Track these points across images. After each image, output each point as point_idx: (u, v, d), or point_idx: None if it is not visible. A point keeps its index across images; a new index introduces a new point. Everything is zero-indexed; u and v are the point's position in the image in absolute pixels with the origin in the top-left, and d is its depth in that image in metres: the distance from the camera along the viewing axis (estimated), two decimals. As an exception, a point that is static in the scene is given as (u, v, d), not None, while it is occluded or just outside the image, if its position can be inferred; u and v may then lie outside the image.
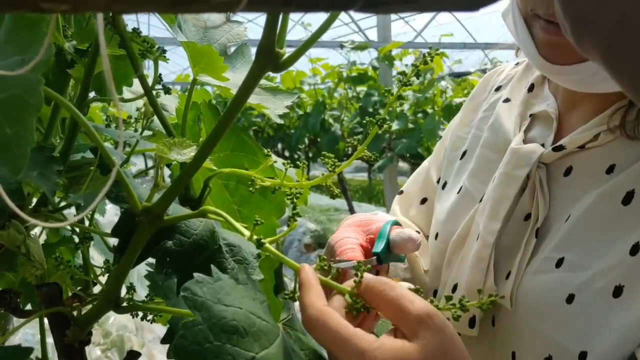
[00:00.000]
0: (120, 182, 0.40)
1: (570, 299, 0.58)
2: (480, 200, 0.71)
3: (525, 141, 0.70)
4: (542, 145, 0.68)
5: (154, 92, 0.58)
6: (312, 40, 0.36)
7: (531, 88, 0.77)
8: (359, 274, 0.44)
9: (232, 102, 0.35)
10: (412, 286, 0.48)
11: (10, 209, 0.54)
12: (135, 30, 0.54)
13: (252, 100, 0.67)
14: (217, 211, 0.41)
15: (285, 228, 0.44)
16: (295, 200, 0.43)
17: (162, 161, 0.40)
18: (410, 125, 4.58)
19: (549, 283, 0.61)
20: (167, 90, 0.60)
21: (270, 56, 0.35)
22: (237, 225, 0.41)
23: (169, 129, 0.57)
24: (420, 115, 4.66)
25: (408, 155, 4.75)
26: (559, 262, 0.61)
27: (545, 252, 0.63)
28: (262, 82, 0.71)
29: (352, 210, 5.67)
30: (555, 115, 0.70)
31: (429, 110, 4.54)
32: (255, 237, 0.40)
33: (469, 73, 5.35)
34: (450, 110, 4.30)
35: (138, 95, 0.64)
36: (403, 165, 6.63)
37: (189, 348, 0.31)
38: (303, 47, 0.37)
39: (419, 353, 0.41)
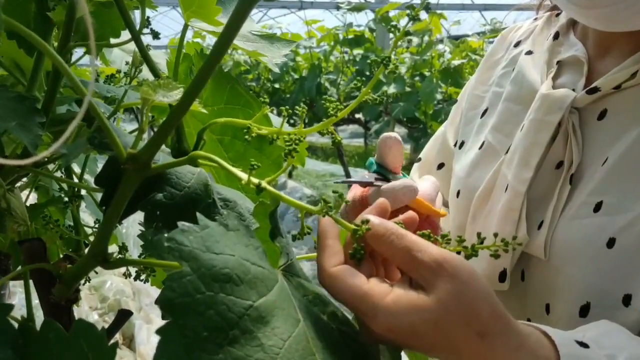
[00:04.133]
0: (103, 128, 0.37)
1: (611, 242, 0.56)
2: (506, 153, 0.69)
3: (554, 88, 0.67)
4: (573, 90, 0.65)
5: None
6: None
7: (556, 36, 0.74)
8: (362, 225, 0.41)
9: (221, 36, 0.31)
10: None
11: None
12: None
13: (248, 47, 0.63)
14: (208, 156, 0.38)
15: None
16: (294, 147, 0.39)
17: (147, 103, 0.37)
18: (408, 89, 4.53)
19: (587, 228, 0.59)
20: (156, 35, 0.56)
21: (265, -18, 0.31)
22: (233, 169, 0.38)
23: (158, 76, 0.54)
24: (417, 78, 4.60)
25: (405, 119, 4.70)
26: (597, 207, 0.59)
27: (582, 197, 0.60)
28: (259, 29, 0.67)
29: (348, 176, 5.65)
30: (585, 59, 0.67)
31: (427, 73, 4.48)
32: (253, 179, 0.37)
33: (467, 35, 5.27)
34: (448, 73, 4.25)
35: (125, 41, 0.60)
36: (400, 130, 6.58)
37: (177, 300, 0.28)
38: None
39: (436, 305, 0.39)
